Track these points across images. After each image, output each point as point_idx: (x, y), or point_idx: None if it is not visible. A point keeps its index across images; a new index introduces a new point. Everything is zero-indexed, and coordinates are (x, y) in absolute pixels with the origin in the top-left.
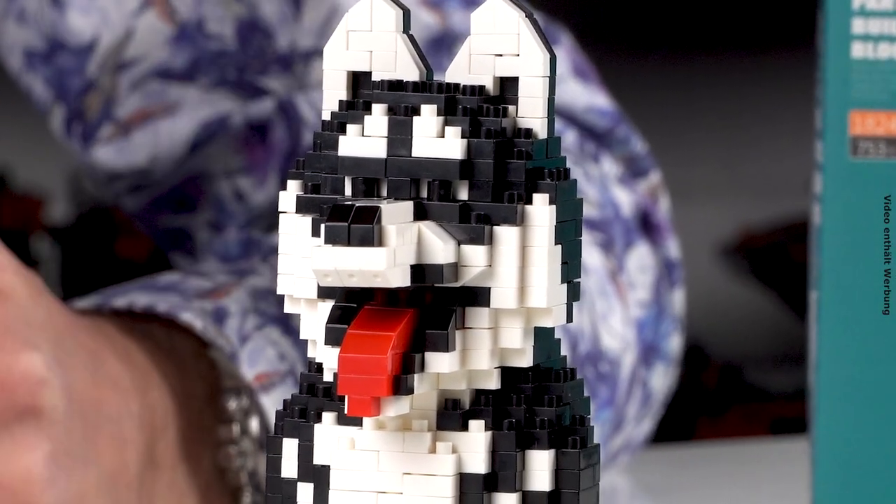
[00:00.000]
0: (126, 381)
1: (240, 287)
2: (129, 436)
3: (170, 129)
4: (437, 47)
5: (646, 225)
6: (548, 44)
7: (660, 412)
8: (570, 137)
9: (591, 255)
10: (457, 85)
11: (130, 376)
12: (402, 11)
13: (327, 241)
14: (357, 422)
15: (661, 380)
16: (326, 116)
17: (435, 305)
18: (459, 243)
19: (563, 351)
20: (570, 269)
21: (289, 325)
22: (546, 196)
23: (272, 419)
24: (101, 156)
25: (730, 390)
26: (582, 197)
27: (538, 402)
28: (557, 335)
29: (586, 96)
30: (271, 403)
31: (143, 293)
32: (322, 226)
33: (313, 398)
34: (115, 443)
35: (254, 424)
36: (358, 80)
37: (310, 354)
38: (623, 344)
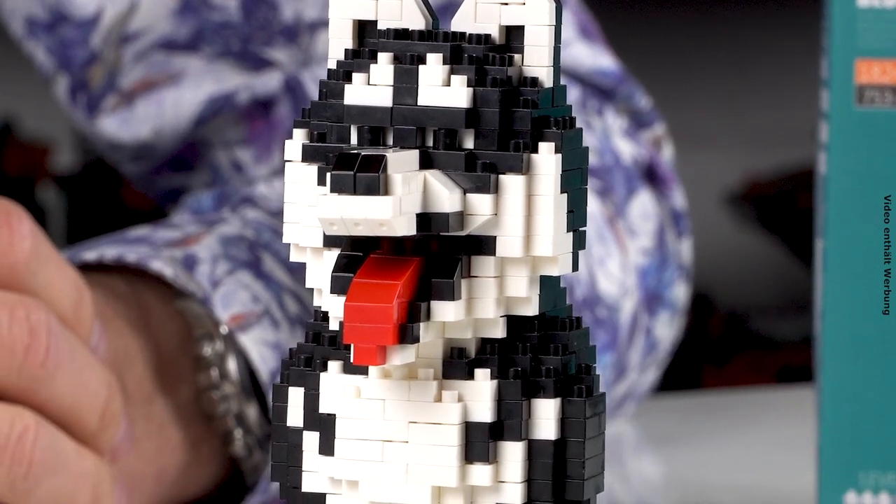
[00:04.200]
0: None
1: (209, 235)
2: None
3: (174, 101)
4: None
5: (651, 176)
6: None
7: (666, 362)
8: (573, 94)
9: (588, 201)
10: (462, 34)
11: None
12: None
13: (333, 190)
14: (363, 370)
15: (667, 329)
16: (332, 65)
17: (441, 254)
18: (465, 192)
19: None
20: (576, 217)
21: (260, 270)
22: (552, 145)
23: (254, 357)
24: (105, 127)
25: (735, 339)
26: (587, 146)
27: (544, 351)
28: None
29: (591, 58)
30: (250, 342)
31: (112, 246)
32: (328, 174)
33: (319, 347)
34: None
35: (231, 367)
36: (364, 29)
37: (315, 303)
38: (621, 289)
